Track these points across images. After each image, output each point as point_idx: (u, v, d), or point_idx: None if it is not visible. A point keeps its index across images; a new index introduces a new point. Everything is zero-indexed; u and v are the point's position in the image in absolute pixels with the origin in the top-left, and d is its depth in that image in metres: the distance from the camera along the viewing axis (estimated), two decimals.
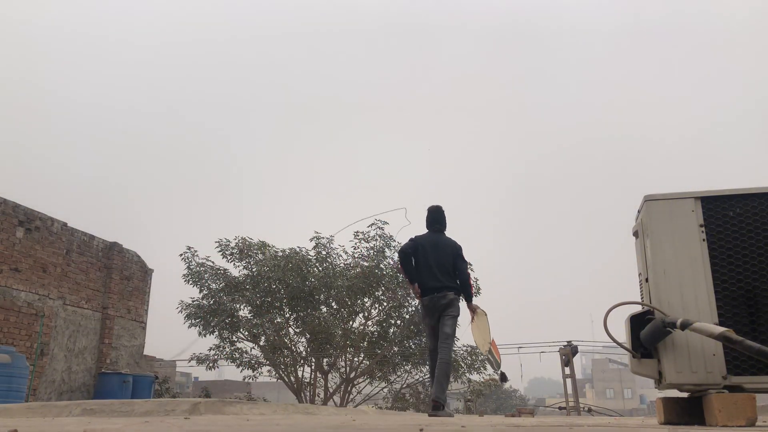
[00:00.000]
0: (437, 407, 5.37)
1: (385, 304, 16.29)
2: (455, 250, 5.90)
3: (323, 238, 16.32)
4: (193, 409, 5.66)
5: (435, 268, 5.70)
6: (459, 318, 5.83)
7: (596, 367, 79.85)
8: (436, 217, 6.06)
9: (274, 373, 16.73)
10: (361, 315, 16.54)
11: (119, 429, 3.34)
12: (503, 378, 8.40)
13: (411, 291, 16.01)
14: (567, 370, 18.51)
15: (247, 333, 16.28)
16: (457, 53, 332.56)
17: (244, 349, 16.47)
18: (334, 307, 16.43)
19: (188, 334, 15.65)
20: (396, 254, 16.07)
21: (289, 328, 16.54)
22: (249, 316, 16.25)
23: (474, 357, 16.07)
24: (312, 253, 16.26)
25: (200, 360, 16.28)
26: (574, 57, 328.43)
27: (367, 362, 16.45)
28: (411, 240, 5.95)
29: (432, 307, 5.68)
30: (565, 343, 19.23)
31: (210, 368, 16.40)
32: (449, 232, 6.20)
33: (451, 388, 17.78)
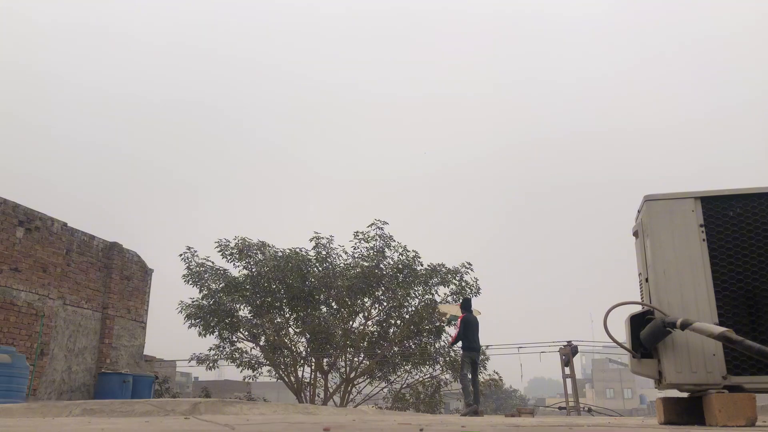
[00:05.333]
0: (471, 407, 9.33)
1: (385, 304, 16.29)
2: (478, 324, 10.34)
3: (323, 238, 16.32)
4: (193, 409, 5.66)
5: (476, 336, 10.04)
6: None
7: (596, 367, 79.77)
8: (470, 305, 10.55)
9: (274, 373, 16.72)
10: (361, 315, 16.53)
11: (119, 429, 3.34)
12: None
13: (410, 292, 16.08)
14: (567, 370, 18.50)
15: (247, 333, 16.27)
16: (456, 52, 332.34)
17: (244, 349, 16.48)
18: (334, 307, 16.42)
19: (189, 334, 15.64)
20: (395, 254, 16.17)
21: (289, 328, 16.54)
22: (249, 316, 16.24)
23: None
24: (312, 253, 16.26)
25: (200, 360, 16.27)
26: (574, 55, 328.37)
27: (367, 362, 16.44)
28: (464, 320, 10.06)
29: (474, 357, 9.93)
30: (565, 343, 19.22)
31: (210, 368, 16.40)
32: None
33: (451, 388, 17.79)
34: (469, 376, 9.70)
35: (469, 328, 10.05)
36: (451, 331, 15.93)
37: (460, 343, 10.29)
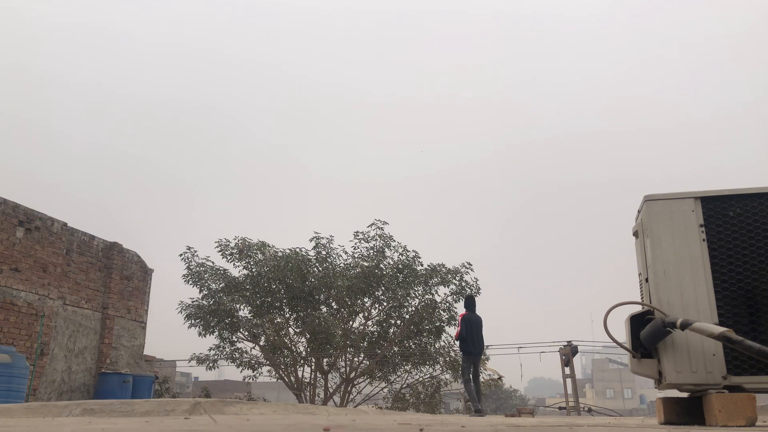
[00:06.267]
0: (480, 413, 9.20)
1: (385, 304, 16.29)
2: (482, 324, 9.97)
3: (323, 238, 16.32)
4: (193, 409, 5.66)
5: (476, 338, 9.69)
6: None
7: (596, 367, 79.81)
8: (472, 302, 10.11)
9: (274, 373, 16.72)
10: (361, 315, 16.53)
11: (120, 429, 3.34)
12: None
13: (410, 292, 16.08)
14: (567, 370, 18.52)
15: (247, 333, 16.27)
16: (456, 52, 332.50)
17: (244, 349, 16.47)
18: (334, 307, 16.41)
19: (189, 334, 15.63)
20: (395, 254, 16.16)
21: (289, 328, 16.53)
22: (249, 316, 16.24)
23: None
24: (312, 253, 16.26)
25: (200, 360, 16.27)
26: (573, 56, 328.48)
27: (367, 362, 16.44)
28: (465, 319, 9.72)
29: (474, 360, 9.70)
30: (565, 343, 19.24)
31: (210, 368, 16.39)
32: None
33: (451, 388, 17.80)
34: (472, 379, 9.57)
35: (468, 329, 9.67)
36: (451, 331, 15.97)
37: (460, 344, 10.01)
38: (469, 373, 9.59)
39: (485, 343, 10.20)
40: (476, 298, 10.31)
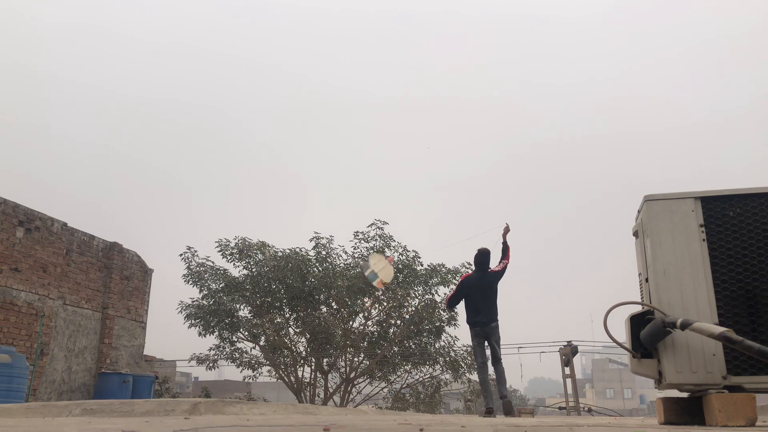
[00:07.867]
0: (509, 407, 6.97)
1: (385, 304, 16.29)
2: (494, 281, 7.36)
3: (323, 238, 16.33)
4: (193, 409, 5.66)
5: (481, 306, 7.22)
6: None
7: (596, 367, 79.79)
8: (481, 259, 7.36)
9: (274, 373, 16.73)
10: (361, 315, 16.53)
11: (120, 429, 3.34)
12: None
13: (410, 292, 16.06)
14: (567, 370, 18.52)
15: (247, 333, 16.27)
16: (456, 51, 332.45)
17: (244, 349, 16.48)
18: (334, 307, 16.42)
19: (189, 334, 15.64)
20: (395, 254, 16.13)
21: (289, 328, 16.54)
22: (249, 316, 16.24)
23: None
24: (312, 253, 16.26)
25: (200, 360, 16.28)
26: (573, 55, 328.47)
27: (367, 362, 16.44)
28: (462, 282, 7.51)
29: (482, 333, 7.29)
30: (565, 343, 19.24)
31: (210, 368, 16.41)
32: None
33: (452, 388, 17.79)
34: (488, 365, 7.40)
35: (464, 293, 7.38)
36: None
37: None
38: (483, 355, 7.37)
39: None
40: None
